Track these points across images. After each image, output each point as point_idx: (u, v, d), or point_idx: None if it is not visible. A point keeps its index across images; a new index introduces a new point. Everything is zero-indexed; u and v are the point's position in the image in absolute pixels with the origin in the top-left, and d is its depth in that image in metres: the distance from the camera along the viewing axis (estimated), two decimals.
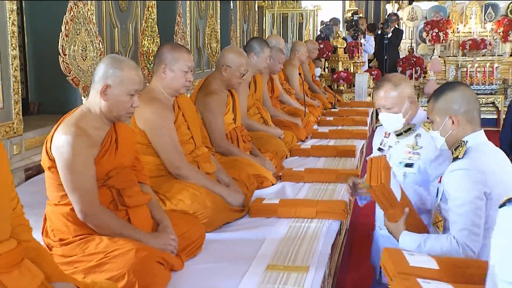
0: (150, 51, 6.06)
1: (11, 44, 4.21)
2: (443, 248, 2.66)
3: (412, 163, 3.34)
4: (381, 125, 3.63)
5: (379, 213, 3.36)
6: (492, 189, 2.63)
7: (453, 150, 2.84)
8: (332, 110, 8.67)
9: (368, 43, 12.86)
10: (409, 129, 3.43)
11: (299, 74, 8.05)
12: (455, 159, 2.76)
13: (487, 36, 12.43)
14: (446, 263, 2.49)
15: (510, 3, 14.50)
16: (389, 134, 3.56)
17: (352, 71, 10.93)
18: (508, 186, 2.64)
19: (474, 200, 2.61)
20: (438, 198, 2.87)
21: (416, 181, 3.33)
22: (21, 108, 4.41)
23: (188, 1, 7.75)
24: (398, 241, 2.87)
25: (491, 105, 11.33)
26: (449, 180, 2.71)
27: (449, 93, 2.84)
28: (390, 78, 3.47)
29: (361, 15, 16.50)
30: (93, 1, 5.10)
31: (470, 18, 13.41)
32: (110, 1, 5.60)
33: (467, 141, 2.78)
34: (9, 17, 4.19)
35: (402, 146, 3.43)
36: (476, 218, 2.61)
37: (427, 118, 2.98)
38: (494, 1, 14.71)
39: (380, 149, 3.59)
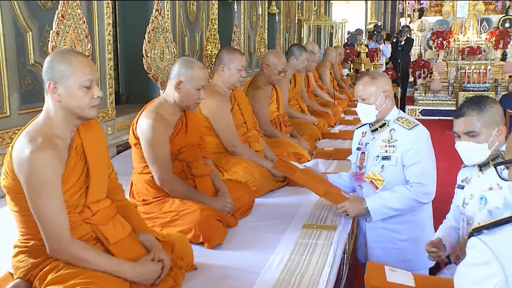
0: (213, 54, 6.05)
1: (108, 50, 4.26)
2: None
3: (389, 156, 2.86)
4: (359, 127, 3.18)
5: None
6: None
7: (490, 161, 2.27)
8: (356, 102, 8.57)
9: (387, 48, 12.71)
10: (384, 124, 2.94)
11: (330, 73, 8.00)
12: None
13: (482, 44, 12.21)
14: (424, 282, 2.10)
15: (501, 17, 14.30)
16: (365, 133, 3.06)
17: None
18: None
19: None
20: (483, 208, 2.25)
21: (395, 173, 2.87)
22: (114, 99, 4.47)
23: (242, 15, 7.73)
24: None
25: None
26: None
27: (494, 105, 2.27)
28: (369, 72, 3.05)
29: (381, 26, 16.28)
30: (170, 15, 5.12)
31: (468, 30, 13.16)
32: (182, 15, 5.61)
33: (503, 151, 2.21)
34: (107, 29, 4.23)
35: (377, 141, 2.94)
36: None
37: (468, 131, 2.30)
38: (488, 16, 14.49)
39: (358, 148, 3.07)
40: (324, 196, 3.06)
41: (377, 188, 2.92)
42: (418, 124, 2.87)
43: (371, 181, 2.93)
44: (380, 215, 2.90)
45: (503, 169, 1.74)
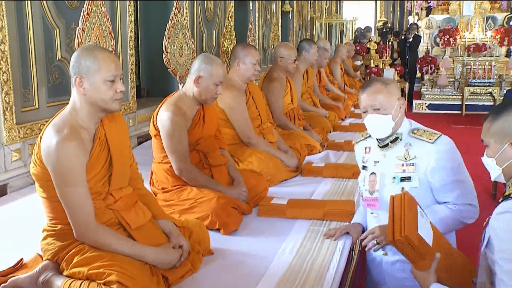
0: (229, 50, 6.05)
1: (129, 46, 4.28)
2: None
3: (410, 176, 2.28)
4: (360, 141, 2.59)
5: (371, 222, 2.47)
6: None
7: (510, 185, 1.71)
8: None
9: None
10: (396, 138, 2.34)
11: (341, 68, 7.97)
12: (506, 198, 1.63)
13: (487, 41, 12.10)
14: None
15: (506, 15, 14.19)
16: (369, 149, 2.48)
17: (381, 67, 10.71)
18: None
19: None
20: (483, 243, 1.72)
21: (419, 195, 2.14)
22: (135, 92, 4.49)
23: (257, 13, 7.71)
24: None
25: (489, 94, 11.05)
26: (496, 225, 1.60)
27: None
28: (379, 78, 2.38)
29: (389, 24, 16.14)
30: (188, 13, 5.12)
31: (474, 27, 13.04)
32: (200, 13, 5.60)
33: None
34: (128, 26, 4.25)
35: (391, 159, 2.34)
36: None
37: (481, 139, 1.81)
38: (493, 14, 14.36)
39: (364, 167, 2.48)
40: (325, 218, 2.78)
41: None
42: (441, 135, 2.28)
43: None
44: None
45: None
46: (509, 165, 1.70)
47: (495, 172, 1.75)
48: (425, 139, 2.27)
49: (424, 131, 2.33)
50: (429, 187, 2.28)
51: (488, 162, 1.77)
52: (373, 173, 2.40)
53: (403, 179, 2.29)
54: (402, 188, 2.24)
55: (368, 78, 10.27)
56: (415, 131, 2.32)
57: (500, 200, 1.65)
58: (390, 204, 1.85)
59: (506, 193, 1.65)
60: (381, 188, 2.35)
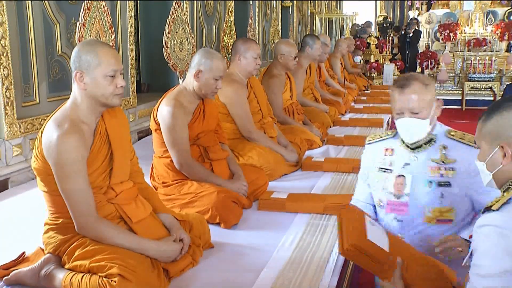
0: (229, 45, 6.05)
1: (129, 41, 4.28)
2: None
3: (448, 181, 2.07)
4: (373, 142, 2.34)
5: None
6: None
7: (503, 192, 1.53)
8: (365, 91, 8.56)
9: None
10: (430, 140, 2.14)
11: (341, 64, 7.97)
12: (488, 209, 1.46)
13: (487, 36, 12.09)
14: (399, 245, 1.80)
15: (507, 10, 14.20)
16: (392, 150, 2.24)
17: (381, 62, 10.72)
18: None
19: (503, 274, 1.38)
20: (468, 255, 1.58)
21: (458, 201, 2.09)
22: (135, 87, 4.49)
23: (257, 8, 7.71)
24: None
25: (489, 89, 11.05)
26: (475, 238, 1.46)
27: (505, 113, 1.49)
28: (417, 76, 2.09)
29: (389, 19, 16.12)
30: (188, 8, 5.12)
31: (475, 22, 13.05)
32: (200, 8, 5.60)
33: None
34: (129, 21, 4.25)
35: (424, 162, 2.13)
36: None
37: (474, 142, 1.68)
38: (494, 9, 14.37)
39: (384, 170, 2.23)
40: (325, 212, 2.78)
41: (451, 221, 2.12)
42: None
43: (438, 220, 2.12)
44: None
45: None
46: (500, 171, 1.52)
47: (486, 178, 1.58)
48: (467, 142, 2.09)
49: (464, 133, 2.15)
50: (467, 192, 2.09)
51: (479, 166, 1.60)
52: (401, 175, 2.18)
53: (441, 184, 2.10)
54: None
55: (369, 73, 10.27)
56: (453, 133, 2.15)
57: (481, 212, 1.50)
58: (338, 218, 1.79)
59: (488, 204, 1.49)
60: (411, 192, 2.15)
